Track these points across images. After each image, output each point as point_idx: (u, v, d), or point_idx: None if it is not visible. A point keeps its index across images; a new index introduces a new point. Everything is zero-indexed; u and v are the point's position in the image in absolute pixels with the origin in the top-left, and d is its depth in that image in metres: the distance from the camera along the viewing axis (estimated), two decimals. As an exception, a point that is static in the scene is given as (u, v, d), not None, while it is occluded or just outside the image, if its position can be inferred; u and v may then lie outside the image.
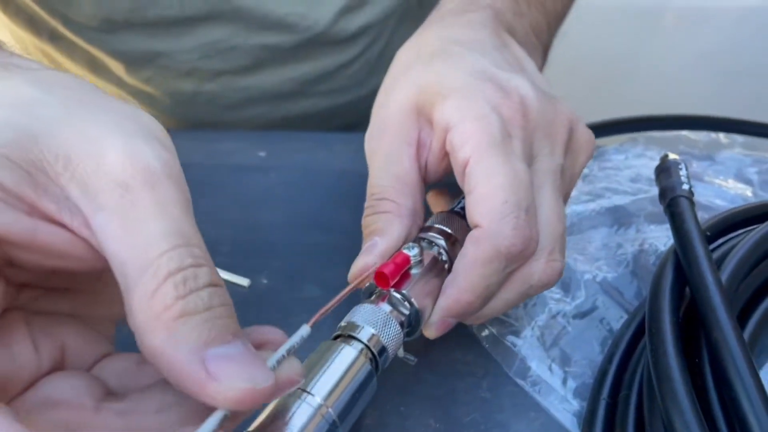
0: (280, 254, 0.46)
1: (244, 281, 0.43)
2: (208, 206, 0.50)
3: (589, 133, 0.42)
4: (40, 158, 0.25)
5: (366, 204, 0.39)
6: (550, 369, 0.40)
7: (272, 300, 0.42)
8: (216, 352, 0.24)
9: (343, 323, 0.33)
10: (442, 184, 0.43)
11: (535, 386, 0.39)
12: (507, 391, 0.39)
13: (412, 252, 0.36)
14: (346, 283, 0.44)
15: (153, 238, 0.24)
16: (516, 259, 0.35)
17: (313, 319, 0.30)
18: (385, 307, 0.34)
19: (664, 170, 0.43)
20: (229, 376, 0.23)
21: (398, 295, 0.35)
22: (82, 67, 0.66)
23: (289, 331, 0.40)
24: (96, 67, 0.65)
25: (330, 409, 0.28)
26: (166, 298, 0.24)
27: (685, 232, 0.38)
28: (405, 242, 0.37)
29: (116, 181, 0.25)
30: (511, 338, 0.41)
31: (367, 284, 0.35)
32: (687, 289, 0.39)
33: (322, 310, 0.31)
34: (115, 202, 0.25)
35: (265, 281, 0.44)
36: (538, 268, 0.36)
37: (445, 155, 0.38)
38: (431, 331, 0.36)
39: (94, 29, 0.60)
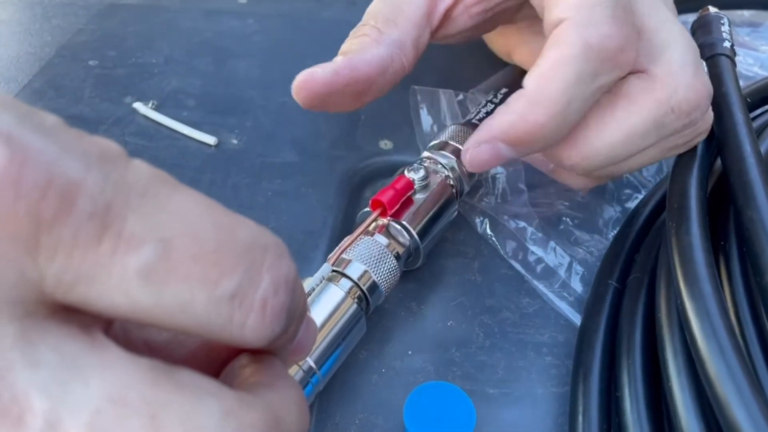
0: (253, 112, 0.41)
1: (210, 139, 0.38)
2: (176, 53, 0.44)
3: None
4: None
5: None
6: (554, 251, 0.35)
7: (241, 162, 0.37)
8: None
9: (333, 256, 0.29)
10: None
11: (532, 270, 0.35)
12: (500, 275, 0.34)
13: (416, 175, 0.31)
14: (328, 150, 0.39)
15: None
16: (611, 64, 0.26)
17: (334, 257, 0.28)
18: (381, 239, 0.30)
19: (703, 25, 0.37)
20: None
21: (397, 226, 0.30)
22: None
23: (258, 196, 0.36)
24: None
25: (308, 358, 0.26)
26: None
27: (721, 95, 0.32)
28: (379, 70, 0.31)
29: None
30: (508, 219, 0.36)
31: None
32: (715, 166, 0.33)
33: (343, 247, 0.29)
34: None
35: (234, 141, 0.38)
36: (683, 81, 0.27)
37: None
38: (473, 157, 0.29)
39: None
